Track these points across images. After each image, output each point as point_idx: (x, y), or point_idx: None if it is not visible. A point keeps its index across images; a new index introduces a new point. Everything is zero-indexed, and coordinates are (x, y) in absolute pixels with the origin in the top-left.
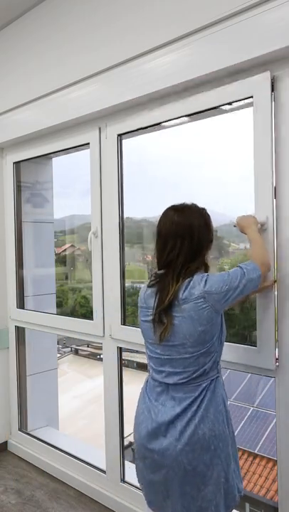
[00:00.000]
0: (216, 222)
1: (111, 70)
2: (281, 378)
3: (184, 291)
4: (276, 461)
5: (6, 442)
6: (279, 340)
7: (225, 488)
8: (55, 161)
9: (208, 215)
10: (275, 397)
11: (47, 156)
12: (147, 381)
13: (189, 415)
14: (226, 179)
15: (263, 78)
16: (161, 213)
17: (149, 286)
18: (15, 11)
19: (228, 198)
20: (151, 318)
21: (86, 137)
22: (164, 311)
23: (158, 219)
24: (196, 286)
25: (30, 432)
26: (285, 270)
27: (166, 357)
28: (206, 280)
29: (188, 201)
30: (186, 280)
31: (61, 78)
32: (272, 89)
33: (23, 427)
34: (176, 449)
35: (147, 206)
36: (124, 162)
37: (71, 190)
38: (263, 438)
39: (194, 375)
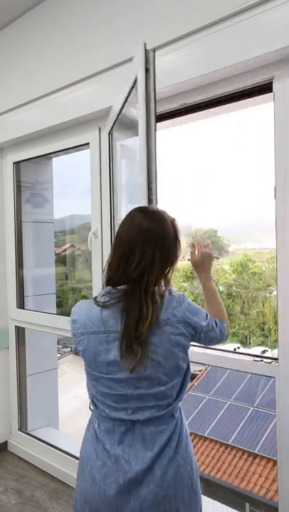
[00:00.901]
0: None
1: (111, 69)
2: (281, 378)
3: (165, 311)
4: (276, 461)
5: (6, 442)
6: (279, 340)
7: None
8: (55, 161)
9: (178, 228)
10: (275, 397)
11: (47, 156)
12: (96, 423)
13: (170, 454)
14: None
15: None
16: (124, 215)
17: (104, 307)
18: (15, 11)
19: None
20: (115, 345)
21: (86, 137)
22: (137, 339)
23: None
24: (178, 307)
25: (30, 432)
26: (285, 270)
27: (133, 392)
28: (188, 303)
29: (157, 206)
30: (163, 298)
31: (61, 78)
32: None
33: (23, 427)
34: (158, 498)
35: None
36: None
37: (71, 190)
38: (263, 438)
39: (168, 408)
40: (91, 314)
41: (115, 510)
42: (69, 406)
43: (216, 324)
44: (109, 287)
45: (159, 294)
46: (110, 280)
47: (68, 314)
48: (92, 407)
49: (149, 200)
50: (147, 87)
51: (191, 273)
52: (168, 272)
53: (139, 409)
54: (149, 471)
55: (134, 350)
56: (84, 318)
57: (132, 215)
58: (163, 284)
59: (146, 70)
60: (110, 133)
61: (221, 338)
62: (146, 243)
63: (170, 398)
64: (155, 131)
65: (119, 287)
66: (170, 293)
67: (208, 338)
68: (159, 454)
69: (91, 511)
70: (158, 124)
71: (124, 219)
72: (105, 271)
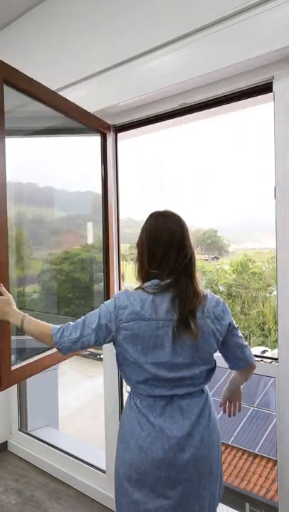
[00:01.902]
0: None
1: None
2: (281, 378)
3: (207, 306)
4: (276, 461)
5: (6, 442)
6: (279, 340)
7: (220, 478)
8: None
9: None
10: (275, 397)
11: None
12: (138, 401)
13: (204, 421)
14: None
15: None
16: (147, 218)
17: (155, 293)
18: None
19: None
20: (164, 332)
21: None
22: (192, 314)
23: (145, 224)
24: (217, 306)
25: (30, 432)
26: (285, 270)
27: (174, 374)
28: (224, 305)
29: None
30: (206, 297)
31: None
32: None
33: (23, 427)
34: (197, 458)
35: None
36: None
37: None
38: (263, 438)
39: (200, 386)
40: (143, 302)
41: (163, 472)
42: (69, 406)
43: (246, 345)
44: (156, 280)
45: (202, 291)
46: (159, 275)
47: None
48: (132, 389)
49: None
50: None
51: None
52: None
53: (177, 386)
54: (189, 436)
55: (190, 326)
56: (135, 305)
57: (158, 218)
58: (196, 273)
59: None
60: None
61: (251, 360)
62: (188, 238)
63: (202, 378)
64: None
65: (167, 279)
66: (211, 294)
67: (234, 341)
68: (195, 422)
69: (138, 475)
70: (158, 124)
71: (153, 222)
72: (144, 268)
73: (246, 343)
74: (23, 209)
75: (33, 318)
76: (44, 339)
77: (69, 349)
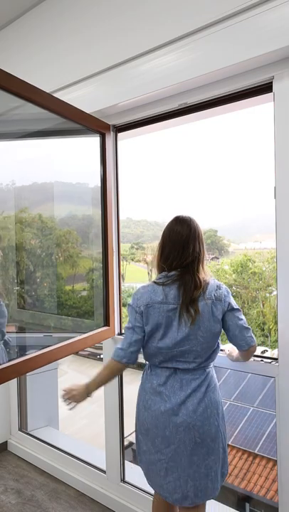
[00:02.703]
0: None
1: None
2: (281, 378)
3: (208, 290)
4: (276, 461)
5: (6, 442)
6: (279, 340)
7: (222, 458)
8: None
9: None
10: (275, 397)
11: None
12: (149, 370)
13: (200, 396)
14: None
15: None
16: (168, 222)
17: (164, 285)
18: None
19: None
20: (172, 313)
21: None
22: (192, 301)
23: (166, 227)
24: (218, 290)
25: (30, 432)
26: (285, 271)
27: (179, 349)
28: (225, 289)
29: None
30: (208, 280)
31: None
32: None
33: (23, 426)
34: (189, 425)
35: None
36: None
37: None
38: (263, 438)
39: (201, 364)
40: (155, 291)
41: (160, 430)
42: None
43: (247, 327)
44: (164, 273)
45: (205, 280)
46: (170, 266)
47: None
48: (148, 361)
49: None
50: None
51: None
52: (203, 258)
53: (180, 361)
54: (183, 405)
55: (190, 311)
56: (149, 294)
57: (180, 221)
58: (201, 267)
59: None
60: None
61: (249, 341)
62: (195, 239)
63: (204, 357)
64: None
65: (173, 271)
66: (214, 280)
67: (234, 321)
68: (190, 394)
69: (145, 430)
70: (158, 124)
71: (169, 225)
72: (160, 262)
73: (248, 325)
74: (72, 208)
75: (92, 378)
76: (112, 370)
77: (131, 356)
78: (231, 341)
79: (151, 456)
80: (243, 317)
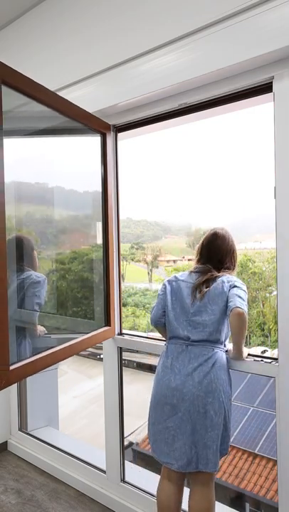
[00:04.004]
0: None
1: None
2: (281, 378)
3: (221, 277)
4: (276, 461)
5: (6, 442)
6: (279, 340)
7: (223, 436)
8: None
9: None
10: (275, 397)
11: None
12: (166, 347)
13: (206, 370)
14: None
15: None
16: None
17: (194, 272)
18: None
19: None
20: (192, 285)
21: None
22: (205, 282)
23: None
24: (230, 278)
25: (30, 432)
26: (285, 271)
27: (192, 318)
28: (235, 280)
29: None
30: (221, 273)
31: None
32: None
33: (23, 426)
34: (193, 395)
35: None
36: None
37: None
38: (263, 438)
39: (211, 336)
40: (185, 275)
41: (168, 399)
42: (69, 406)
43: (239, 296)
44: (196, 265)
45: (222, 270)
46: (200, 262)
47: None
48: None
49: None
50: None
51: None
52: (228, 260)
53: (190, 331)
54: (190, 376)
55: (201, 288)
56: (180, 276)
57: (210, 231)
58: (225, 267)
59: None
60: None
61: (237, 303)
62: (213, 246)
63: (212, 328)
64: None
65: (201, 265)
66: (230, 275)
67: (231, 293)
68: (196, 367)
69: (155, 402)
70: (158, 124)
71: (211, 236)
72: (197, 258)
73: (242, 297)
74: (31, 208)
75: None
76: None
77: (155, 318)
78: (227, 306)
79: (159, 426)
80: (239, 292)
